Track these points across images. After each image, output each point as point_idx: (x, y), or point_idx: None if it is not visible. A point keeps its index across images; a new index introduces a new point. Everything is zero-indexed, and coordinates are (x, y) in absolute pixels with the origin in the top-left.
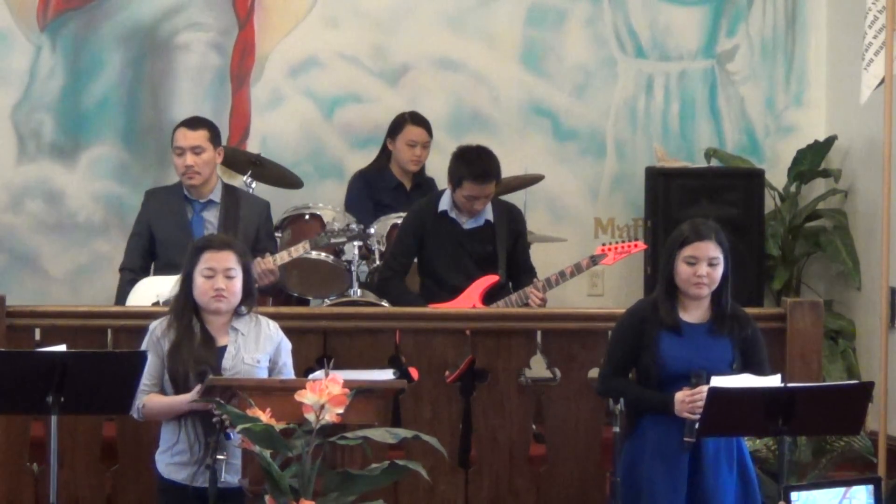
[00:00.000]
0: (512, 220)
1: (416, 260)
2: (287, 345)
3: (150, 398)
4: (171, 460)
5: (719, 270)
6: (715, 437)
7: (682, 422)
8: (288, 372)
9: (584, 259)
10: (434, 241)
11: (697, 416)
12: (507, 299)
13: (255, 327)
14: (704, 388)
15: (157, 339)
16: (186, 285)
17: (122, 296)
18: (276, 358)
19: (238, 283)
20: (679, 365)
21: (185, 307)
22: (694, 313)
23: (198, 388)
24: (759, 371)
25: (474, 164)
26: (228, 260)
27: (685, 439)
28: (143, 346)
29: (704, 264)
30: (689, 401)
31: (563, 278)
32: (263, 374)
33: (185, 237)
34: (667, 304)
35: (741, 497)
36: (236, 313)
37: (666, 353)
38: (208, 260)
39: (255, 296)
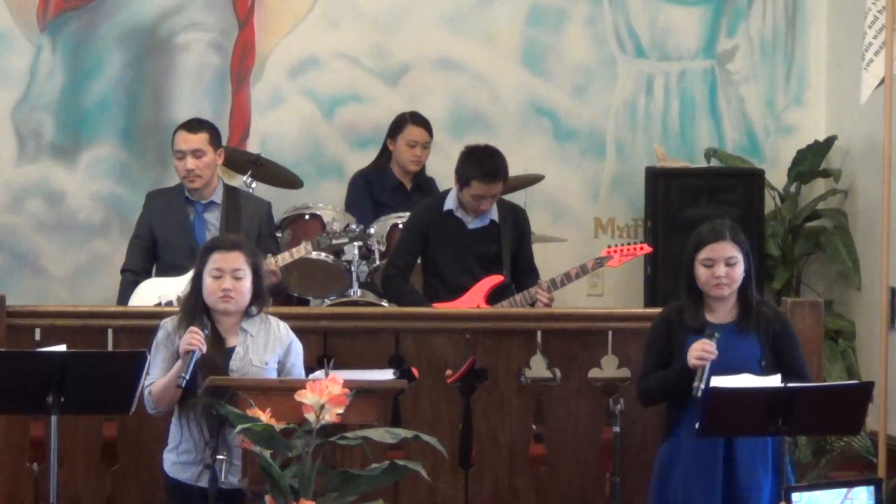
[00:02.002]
0: (516, 221)
1: (419, 259)
2: (298, 346)
3: (154, 384)
4: (177, 459)
5: (739, 269)
6: (715, 437)
7: None
8: (297, 374)
9: (589, 261)
10: (439, 240)
11: (705, 363)
12: (511, 299)
13: (264, 329)
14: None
15: (168, 334)
16: (196, 286)
17: (124, 298)
18: (286, 359)
19: (246, 284)
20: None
21: (195, 307)
22: (720, 314)
23: (189, 330)
24: (793, 366)
25: (483, 163)
26: (237, 261)
27: (693, 384)
28: (156, 341)
29: (722, 265)
30: (698, 347)
31: (569, 280)
32: (271, 376)
33: (187, 239)
34: (691, 307)
35: (776, 499)
36: (247, 314)
37: None
38: (216, 261)
39: (265, 297)
